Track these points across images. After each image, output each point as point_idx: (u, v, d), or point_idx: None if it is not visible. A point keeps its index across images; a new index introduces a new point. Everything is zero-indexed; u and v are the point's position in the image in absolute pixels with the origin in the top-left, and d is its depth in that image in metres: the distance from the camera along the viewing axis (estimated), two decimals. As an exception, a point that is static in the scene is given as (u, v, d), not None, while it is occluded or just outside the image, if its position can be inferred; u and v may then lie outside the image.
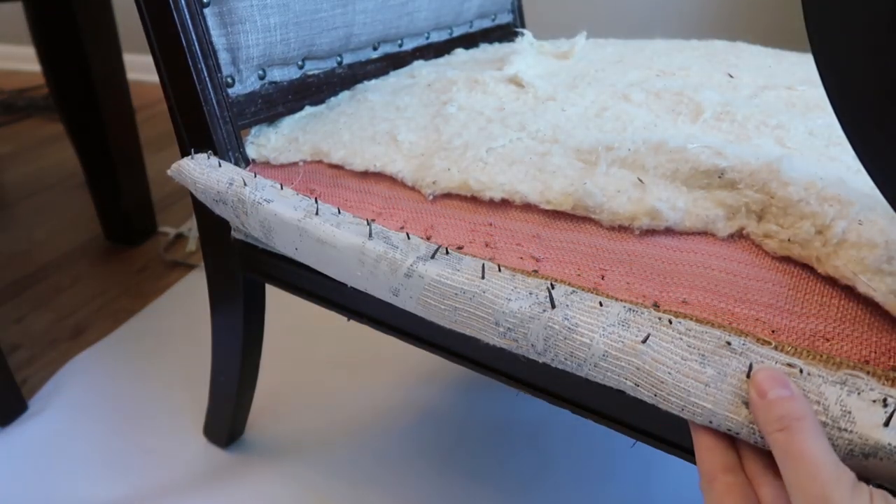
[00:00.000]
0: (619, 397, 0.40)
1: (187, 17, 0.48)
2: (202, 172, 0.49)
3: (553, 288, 0.35)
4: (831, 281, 0.34)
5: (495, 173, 0.44)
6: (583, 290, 0.35)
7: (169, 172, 0.52)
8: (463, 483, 0.70)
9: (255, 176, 0.48)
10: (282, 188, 0.48)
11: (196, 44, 0.49)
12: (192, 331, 0.93)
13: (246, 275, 0.58)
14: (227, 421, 0.72)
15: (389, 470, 0.71)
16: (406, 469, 0.71)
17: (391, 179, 0.48)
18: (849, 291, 0.33)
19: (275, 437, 0.76)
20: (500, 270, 0.37)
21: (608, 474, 0.71)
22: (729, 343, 0.30)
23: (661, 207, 0.38)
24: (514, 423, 0.77)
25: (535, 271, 0.38)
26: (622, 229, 0.39)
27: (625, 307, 0.33)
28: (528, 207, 0.42)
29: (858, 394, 0.27)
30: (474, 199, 0.44)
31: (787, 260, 0.35)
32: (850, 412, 0.26)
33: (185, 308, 0.99)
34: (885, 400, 0.26)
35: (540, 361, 0.35)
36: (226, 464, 0.72)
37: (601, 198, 0.39)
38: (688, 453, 0.39)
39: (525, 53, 0.68)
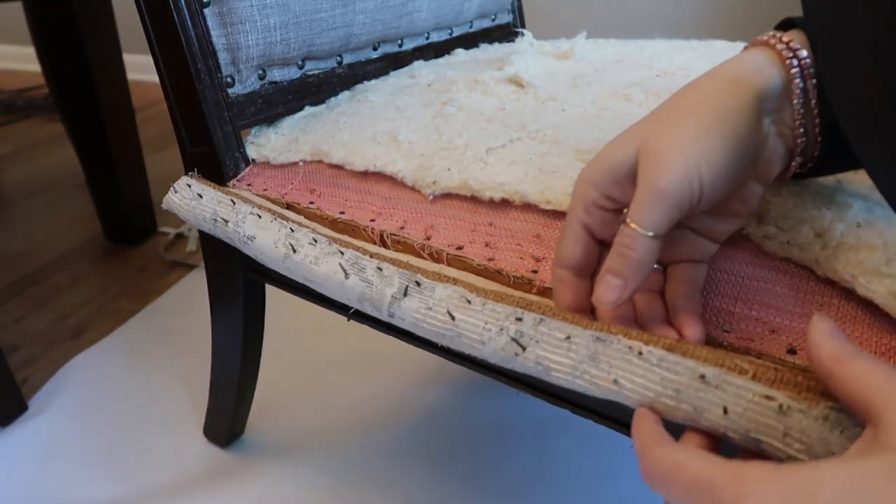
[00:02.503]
0: (619, 397, 0.40)
1: (187, 17, 0.48)
2: (187, 207, 0.50)
3: (521, 320, 0.33)
4: (831, 282, 0.34)
5: (495, 173, 0.44)
6: (549, 314, 0.33)
7: (164, 206, 0.53)
8: (463, 483, 0.70)
9: (235, 204, 0.48)
10: (260, 217, 0.47)
11: (196, 44, 0.49)
12: (192, 331, 0.93)
13: (246, 275, 0.58)
14: (227, 421, 0.72)
15: (389, 470, 0.71)
16: (406, 469, 0.71)
17: (391, 179, 0.48)
18: (848, 292, 0.33)
19: (275, 437, 0.76)
20: (469, 303, 0.36)
21: (608, 474, 0.71)
22: (703, 376, 0.28)
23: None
24: (514, 423, 0.77)
25: (531, 278, 0.38)
26: (622, 229, 0.39)
27: (593, 336, 0.31)
28: (529, 207, 0.42)
29: (841, 431, 0.25)
30: (474, 199, 0.44)
31: (786, 260, 0.35)
32: (833, 453, 0.25)
33: (185, 308, 0.99)
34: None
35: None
36: (226, 464, 0.72)
37: (601, 198, 0.39)
38: (688, 453, 0.39)
39: (525, 53, 0.68)
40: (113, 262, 1.15)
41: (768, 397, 0.27)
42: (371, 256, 0.41)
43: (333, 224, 0.48)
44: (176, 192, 0.51)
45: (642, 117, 0.33)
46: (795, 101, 0.31)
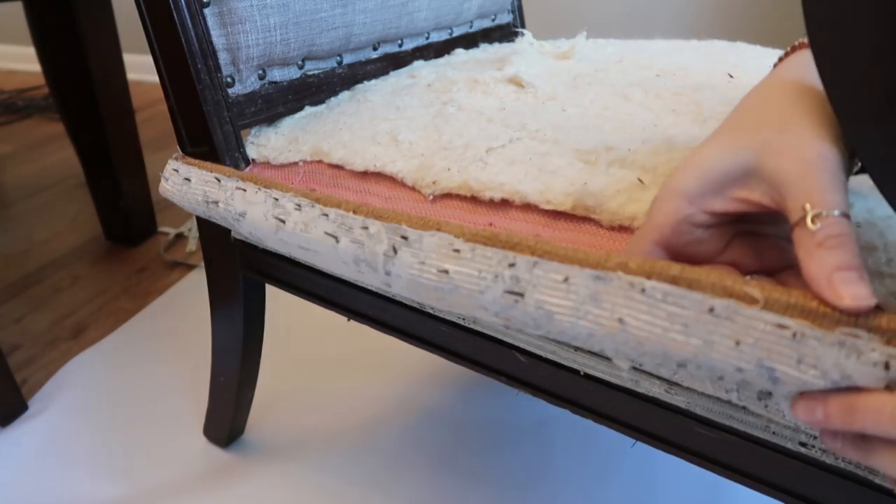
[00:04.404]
0: (619, 397, 0.40)
1: (187, 17, 0.48)
2: (179, 193, 0.50)
3: (514, 265, 0.32)
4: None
5: (495, 173, 0.44)
6: (544, 256, 0.32)
7: (160, 193, 0.53)
8: (463, 483, 0.70)
9: (220, 181, 0.48)
10: (245, 191, 0.46)
11: (196, 44, 0.49)
12: (192, 331, 0.93)
13: (246, 275, 0.58)
14: (227, 421, 0.72)
15: (389, 469, 0.71)
16: (406, 469, 0.71)
17: (391, 179, 0.48)
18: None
19: (275, 437, 0.76)
20: (458, 251, 0.34)
21: (608, 474, 0.71)
22: (712, 309, 0.27)
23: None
24: (514, 423, 0.78)
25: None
26: (622, 229, 0.39)
27: (592, 275, 0.30)
28: (528, 207, 0.42)
29: (858, 356, 0.25)
30: (474, 199, 0.44)
31: (787, 260, 0.35)
32: (850, 376, 0.25)
33: (185, 308, 0.99)
34: (886, 363, 0.24)
35: (541, 333, 0.34)
36: (226, 464, 0.72)
37: (601, 198, 0.39)
38: (688, 453, 0.39)
39: (525, 53, 0.68)
40: (113, 262, 1.15)
41: (781, 325, 0.26)
42: (355, 213, 0.39)
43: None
44: (167, 179, 0.51)
45: (716, 130, 0.31)
46: None
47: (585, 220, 0.41)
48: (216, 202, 0.47)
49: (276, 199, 0.44)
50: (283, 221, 0.43)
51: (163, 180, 0.51)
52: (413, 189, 0.47)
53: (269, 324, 0.67)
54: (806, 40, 0.32)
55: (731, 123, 0.31)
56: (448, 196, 0.45)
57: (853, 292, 0.25)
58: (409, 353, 0.86)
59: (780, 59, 0.35)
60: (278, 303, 0.71)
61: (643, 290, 0.28)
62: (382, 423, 0.77)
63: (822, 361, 0.25)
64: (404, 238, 0.37)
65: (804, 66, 0.32)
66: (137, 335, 0.94)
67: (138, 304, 1.01)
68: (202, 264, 0.80)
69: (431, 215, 0.45)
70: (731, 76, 0.59)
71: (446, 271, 0.34)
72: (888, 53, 0.25)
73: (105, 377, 0.85)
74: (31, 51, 1.13)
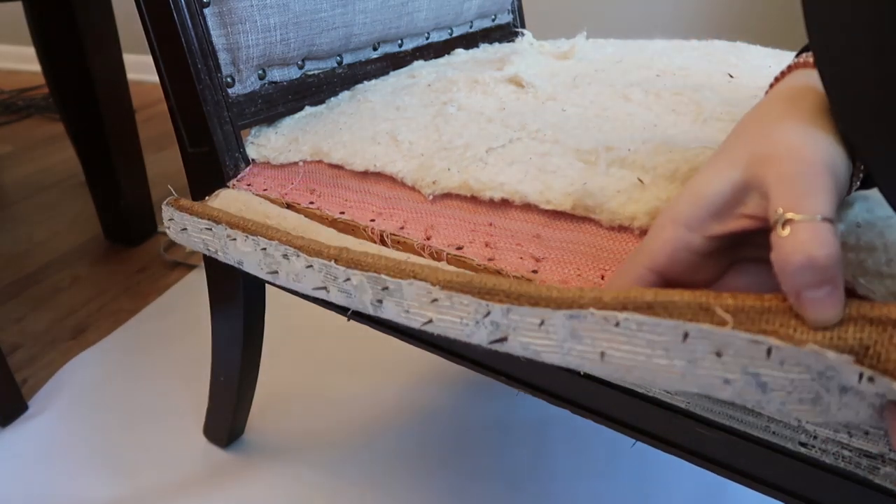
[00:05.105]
0: (619, 397, 0.40)
1: (187, 17, 0.48)
2: (183, 240, 0.51)
3: (490, 313, 0.33)
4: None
5: (495, 173, 0.44)
6: (517, 302, 0.32)
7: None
8: (463, 483, 0.70)
9: (212, 229, 0.48)
10: (235, 239, 0.47)
11: (196, 44, 0.49)
12: (192, 331, 0.93)
13: (246, 275, 0.58)
14: (227, 421, 0.72)
15: (389, 469, 0.71)
16: (406, 468, 0.71)
17: (391, 179, 0.48)
18: (848, 293, 0.33)
19: (275, 437, 0.76)
20: (436, 300, 0.35)
21: (608, 474, 0.71)
22: (687, 334, 0.28)
23: (662, 207, 0.38)
24: (514, 423, 0.77)
25: (531, 279, 0.38)
26: (622, 229, 0.39)
27: (566, 315, 0.30)
28: (529, 207, 0.42)
29: (838, 355, 0.25)
30: (474, 199, 0.44)
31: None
32: (831, 365, 0.26)
33: (185, 308, 0.99)
34: (860, 340, 0.25)
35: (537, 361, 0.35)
36: (226, 464, 0.72)
37: (601, 198, 0.39)
38: (688, 453, 0.39)
39: (525, 53, 0.68)
40: (113, 262, 1.15)
41: (755, 342, 0.26)
42: (336, 262, 0.40)
43: (333, 224, 0.48)
44: (168, 227, 0.52)
45: (716, 152, 0.31)
46: None
47: (585, 220, 0.41)
48: (215, 251, 0.48)
49: (265, 249, 0.44)
50: (276, 272, 0.44)
51: (166, 227, 0.52)
52: (413, 189, 0.47)
53: (269, 324, 0.67)
54: (797, 61, 0.33)
55: (725, 147, 0.31)
56: (448, 196, 0.45)
57: (819, 318, 0.26)
58: (409, 353, 0.86)
59: (775, 81, 0.35)
60: (278, 303, 0.71)
61: (617, 324, 0.29)
62: (382, 423, 0.77)
63: (805, 358, 0.26)
64: (385, 288, 0.37)
65: (796, 84, 0.32)
66: (137, 335, 0.94)
67: (138, 304, 1.01)
68: (202, 264, 0.80)
69: (431, 215, 0.45)
70: (731, 76, 0.59)
71: (431, 320, 0.35)
72: (888, 53, 0.25)
73: (105, 377, 0.85)
74: (31, 51, 1.13)
